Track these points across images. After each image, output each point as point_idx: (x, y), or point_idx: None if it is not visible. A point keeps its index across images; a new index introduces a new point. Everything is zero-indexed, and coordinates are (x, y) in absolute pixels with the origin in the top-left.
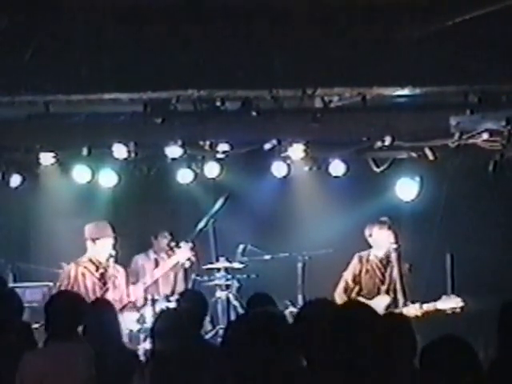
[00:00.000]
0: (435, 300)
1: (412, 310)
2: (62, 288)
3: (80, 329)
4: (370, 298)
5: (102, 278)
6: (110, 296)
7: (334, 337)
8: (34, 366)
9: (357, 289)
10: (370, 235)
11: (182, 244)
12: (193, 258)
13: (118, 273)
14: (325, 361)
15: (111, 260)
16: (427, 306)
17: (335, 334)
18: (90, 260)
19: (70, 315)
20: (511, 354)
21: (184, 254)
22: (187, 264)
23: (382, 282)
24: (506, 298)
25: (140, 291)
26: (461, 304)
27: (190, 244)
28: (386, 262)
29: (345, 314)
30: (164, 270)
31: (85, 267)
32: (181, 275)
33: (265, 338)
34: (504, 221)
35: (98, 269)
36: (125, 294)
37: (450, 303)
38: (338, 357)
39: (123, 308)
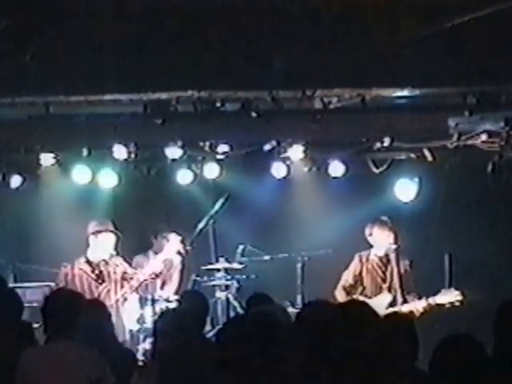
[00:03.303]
0: (434, 295)
1: (411, 306)
2: None
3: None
4: (372, 297)
5: (99, 278)
6: (109, 293)
7: (333, 337)
8: (31, 364)
9: (360, 288)
10: (370, 234)
11: (170, 237)
12: (183, 251)
13: (116, 267)
14: (324, 361)
15: (106, 257)
16: (427, 302)
17: (334, 334)
18: (87, 261)
19: (65, 314)
20: (507, 354)
21: (173, 246)
22: (177, 258)
23: (384, 281)
24: (503, 298)
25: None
26: (459, 297)
27: (179, 237)
28: (386, 260)
29: (344, 315)
30: (157, 266)
31: (80, 269)
32: (176, 274)
33: (261, 338)
34: (502, 221)
35: (94, 270)
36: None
37: (448, 297)
38: (337, 357)
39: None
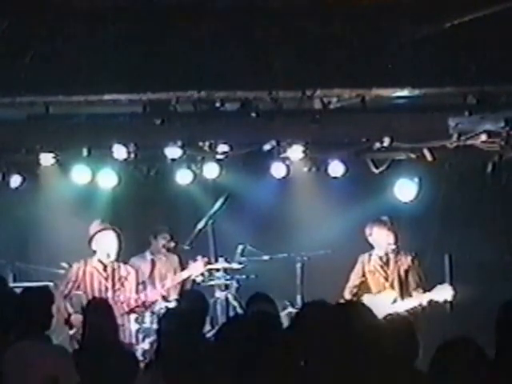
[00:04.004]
0: (429, 290)
1: (406, 304)
2: (69, 285)
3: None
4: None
5: (109, 278)
6: (117, 295)
7: (331, 338)
8: (5, 363)
9: (365, 289)
10: (370, 234)
11: (198, 258)
12: (206, 273)
13: (128, 275)
14: (323, 362)
15: (113, 257)
16: (420, 299)
17: (333, 335)
18: (99, 260)
19: (33, 315)
20: (509, 354)
21: (198, 268)
22: (199, 279)
23: (386, 279)
24: (503, 298)
25: (157, 295)
26: (452, 293)
27: (206, 259)
28: (386, 259)
29: (342, 315)
30: (175, 281)
31: (93, 266)
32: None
33: (260, 338)
34: (502, 222)
35: (106, 268)
36: (133, 299)
37: (443, 294)
38: (335, 358)
39: (131, 311)
